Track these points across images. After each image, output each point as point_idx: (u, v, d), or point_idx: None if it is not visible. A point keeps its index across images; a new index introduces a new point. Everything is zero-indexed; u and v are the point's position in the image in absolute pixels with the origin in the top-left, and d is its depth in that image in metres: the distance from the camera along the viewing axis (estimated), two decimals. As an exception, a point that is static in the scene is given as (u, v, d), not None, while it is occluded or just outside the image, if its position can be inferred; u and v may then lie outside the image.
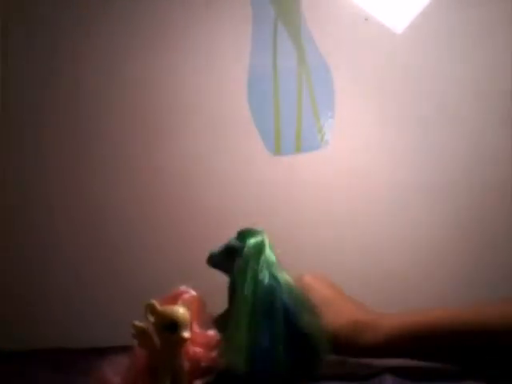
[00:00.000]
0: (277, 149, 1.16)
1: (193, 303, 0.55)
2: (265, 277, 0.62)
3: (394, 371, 0.64)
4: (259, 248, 0.65)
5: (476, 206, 1.11)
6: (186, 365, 0.53)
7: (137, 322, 0.52)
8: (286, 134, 1.16)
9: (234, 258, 0.65)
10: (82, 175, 1.13)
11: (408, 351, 0.65)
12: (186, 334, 0.51)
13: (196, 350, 0.54)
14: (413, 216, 1.12)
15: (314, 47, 1.15)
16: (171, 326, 0.51)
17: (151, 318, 0.52)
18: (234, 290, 0.65)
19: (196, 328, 0.54)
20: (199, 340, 0.54)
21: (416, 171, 1.13)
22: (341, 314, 0.67)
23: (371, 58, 1.14)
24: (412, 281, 1.07)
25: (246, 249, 0.64)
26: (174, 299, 0.55)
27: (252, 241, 0.65)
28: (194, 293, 0.57)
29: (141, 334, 0.52)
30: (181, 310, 0.52)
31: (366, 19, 1.13)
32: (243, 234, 0.67)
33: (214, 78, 1.15)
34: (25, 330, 1.04)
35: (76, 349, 0.97)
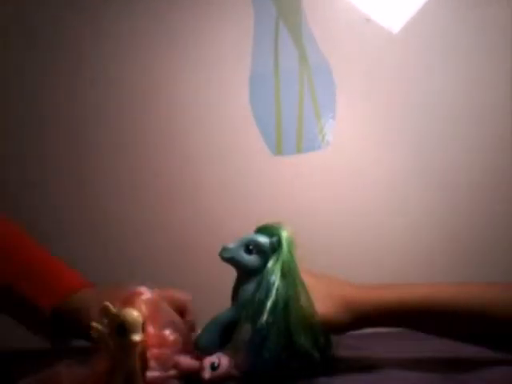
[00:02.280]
0: (278, 149, 1.15)
1: (150, 304, 0.55)
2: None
3: (399, 364, 0.64)
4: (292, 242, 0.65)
5: (475, 199, 1.10)
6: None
7: (95, 324, 0.52)
8: (288, 135, 1.16)
9: (252, 252, 0.65)
10: (84, 176, 1.15)
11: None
12: (136, 338, 0.51)
13: (153, 351, 0.53)
14: (413, 216, 1.11)
15: (315, 47, 1.14)
16: (120, 329, 0.51)
17: (105, 321, 0.52)
18: (239, 285, 0.64)
19: (151, 329, 0.54)
20: (154, 341, 0.54)
21: (416, 170, 1.12)
22: (327, 297, 0.66)
23: (372, 58, 1.13)
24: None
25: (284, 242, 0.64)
26: (132, 301, 0.54)
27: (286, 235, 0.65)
28: (150, 294, 0.56)
29: (97, 336, 0.52)
30: (132, 313, 0.51)
31: (368, 20, 1.12)
32: (270, 230, 0.66)
33: (215, 77, 1.15)
34: (24, 330, 1.05)
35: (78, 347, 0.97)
